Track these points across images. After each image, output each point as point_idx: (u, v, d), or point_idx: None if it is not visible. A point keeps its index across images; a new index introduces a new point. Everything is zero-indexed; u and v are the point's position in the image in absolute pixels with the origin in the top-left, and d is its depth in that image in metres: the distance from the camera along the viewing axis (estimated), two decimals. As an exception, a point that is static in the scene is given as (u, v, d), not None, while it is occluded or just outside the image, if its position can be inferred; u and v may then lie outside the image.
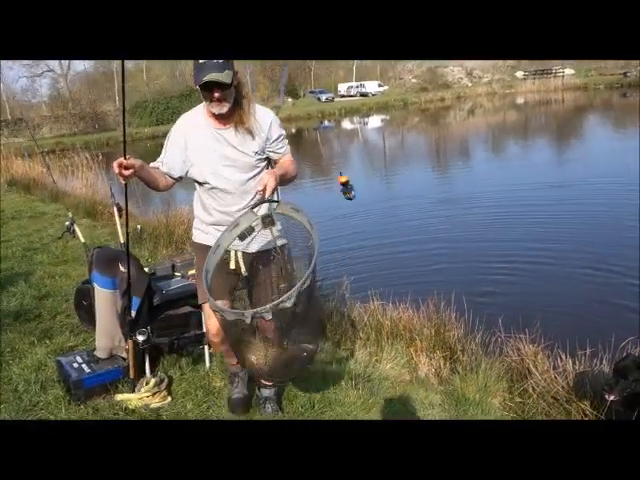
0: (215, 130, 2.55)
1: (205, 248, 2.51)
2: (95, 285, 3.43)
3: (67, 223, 4.77)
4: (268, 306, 1.96)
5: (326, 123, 42.78)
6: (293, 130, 43.99)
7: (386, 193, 13.11)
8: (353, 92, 54.94)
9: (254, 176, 2.63)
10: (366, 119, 41.14)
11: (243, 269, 2.68)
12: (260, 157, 2.64)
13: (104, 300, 3.40)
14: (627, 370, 3.00)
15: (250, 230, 2.41)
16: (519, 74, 52.04)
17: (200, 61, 2.31)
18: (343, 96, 54.47)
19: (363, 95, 53.46)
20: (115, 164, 2.29)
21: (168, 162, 2.61)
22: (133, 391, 3.23)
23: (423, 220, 9.35)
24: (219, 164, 2.56)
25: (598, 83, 41.72)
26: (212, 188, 2.62)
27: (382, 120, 39.94)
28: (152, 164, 2.61)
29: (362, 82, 55.27)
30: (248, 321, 1.97)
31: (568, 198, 9.73)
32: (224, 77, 2.32)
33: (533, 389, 3.53)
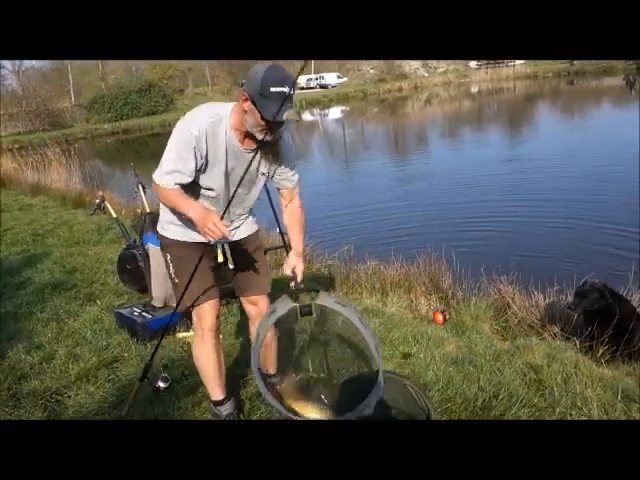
0: (238, 147, 2.35)
1: (184, 245, 2.48)
2: (149, 245, 4.04)
3: (97, 201, 5.33)
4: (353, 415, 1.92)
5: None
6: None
7: (348, 181, 14.05)
8: (312, 84, 55.55)
9: (257, 191, 2.60)
10: (326, 110, 41.78)
11: (230, 260, 2.58)
12: (267, 177, 2.57)
13: (158, 256, 4.01)
14: (586, 292, 3.82)
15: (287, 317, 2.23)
16: (472, 64, 53.55)
17: (273, 89, 2.10)
18: (302, 88, 54.95)
19: (323, 87, 54.15)
20: (218, 231, 2.18)
21: (188, 171, 2.30)
22: (187, 331, 3.87)
23: (400, 198, 10.21)
24: (231, 180, 2.41)
25: (547, 72, 43.48)
26: (213, 196, 2.47)
27: (342, 111, 40.64)
28: (171, 180, 2.30)
29: (321, 74, 55.96)
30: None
31: (520, 169, 11.68)
32: (297, 115, 2.17)
33: (513, 319, 4.33)
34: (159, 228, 2.59)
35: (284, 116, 2.12)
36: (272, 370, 2.90)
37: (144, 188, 4.82)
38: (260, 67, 2.17)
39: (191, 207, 2.28)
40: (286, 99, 2.12)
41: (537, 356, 3.20)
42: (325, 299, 2.17)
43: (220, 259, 2.49)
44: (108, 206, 5.27)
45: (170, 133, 2.31)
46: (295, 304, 2.18)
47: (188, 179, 2.31)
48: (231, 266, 2.58)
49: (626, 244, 6.21)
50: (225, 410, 2.65)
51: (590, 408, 2.51)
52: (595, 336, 3.62)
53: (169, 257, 2.55)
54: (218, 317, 2.58)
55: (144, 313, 3.97)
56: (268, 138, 2.27)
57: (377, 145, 20.94)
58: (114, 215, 5.23)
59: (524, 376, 2.94)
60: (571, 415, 2.49)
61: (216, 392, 2.65)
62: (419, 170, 13.46)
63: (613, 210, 7.43)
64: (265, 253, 2.95)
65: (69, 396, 3.09)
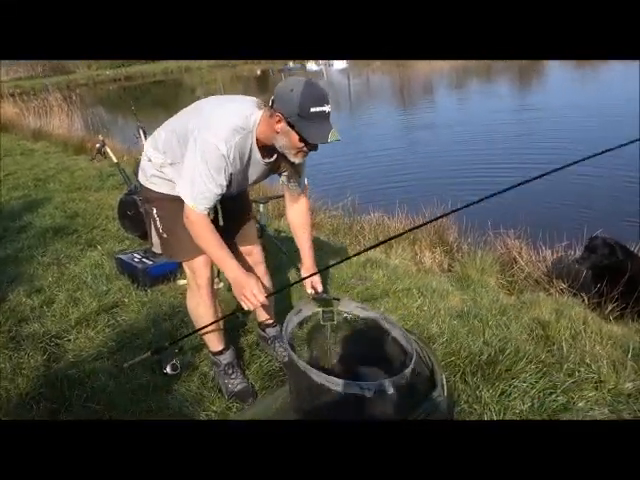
0: (260, 160, 2.22)
1: (171, 199, 2.29)
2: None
3: (98, 145, 5.21)
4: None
5: (291, 65, 42.52)
6: (258, 72, 43.56)
7: (353, 130, 13.77)
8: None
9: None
10: (331, 61, 40.91)
11: (220, 217, 2.56)
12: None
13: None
14: (596, 247, 3.73)
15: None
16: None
17: (313, 110, 1.94)
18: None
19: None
20: (256, 301, 2.13)
21: (219, 192, 2.14)
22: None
23: (407, 146, 10.02)
24: (243, 181, 2.33)
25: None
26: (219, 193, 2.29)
27: (347, 62, 39.80)
28: (203, 204, 2.13)
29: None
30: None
31: (533, 118, 11.49)
32: (338, 134, 2.01)
33: (519, 274, 4.26)
34: (142, 179, 2.42)
35: (332, 139, 1.98)
36: (268, 320, 2.86)
37: (145, 133, 4.70)
38: (293, 84, 1.98)
39: (229, 264, 2.15)
40: (327, 118, 1.98)
41: (544, 311, 3.14)
42: (347, 305, 2.30)
43: (210, 217, 2.34)
44: (109, 151, 5.15)
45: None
46: (319, 309, 2.27)
47: (217, 199, 2.17)
48: (221, 223, 2.53)
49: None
50: (224, 359, 2.61)
51: (600, 365, 2.46)
52: (604, 293, 3.56)
53: (155, 211, 2.41)
54: (212, 268, 2.47)
55: (144, 259, 3.91)
56: (300, 160, 2.17)
57: (382, 96, 20.56)
58: (115, 160, 5.11)
59: (531, 331, 2.89)
60: (579, 372, 2.44)
61: (214, 344, 2.60)
62: (425, 120, 13.24)
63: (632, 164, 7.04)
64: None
65: (69, 340, 3.06)
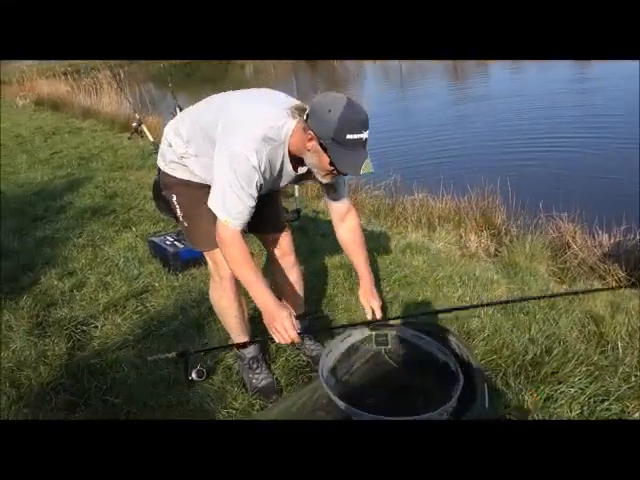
0: (291, 171, 2.08)
1: (192, 186, 2.19)
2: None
3: (134, 124, 5.13)
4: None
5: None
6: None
7: (401, 103, 13.29)
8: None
9: None
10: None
11: None
12: None
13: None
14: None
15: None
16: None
17: (350, 137, 1.78)
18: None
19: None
20: (287, 337, 1.96)
21: (252, 206, 1.98)
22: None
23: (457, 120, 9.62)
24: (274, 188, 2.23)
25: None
26: None
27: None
28: (238, 220, 1.97)
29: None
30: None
31: (593, 88, 10.70)
32: (372, 166, 1.86)
33: (572, 260, 3.96)
34: (161, 164, 2.27)
35: (361, 171, 1.83)
36: (297, 311, 2.70)
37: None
38: (332, 103, 1.80)
39: (261, 291, 1.98)
40: (364, 146, 1.83)
41: (599, 304, 2.86)
42: (403, 331, 2.09)
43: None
44: (145, 130, 5.06)
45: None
46: (372, 332, 2.09)
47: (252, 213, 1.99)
48: None
49: None
50: (249, 353, 2.47)
51: (660, 369, 2.20)
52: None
53: (175, 198, 2.26)
54: None
55: (176, 242, 3.81)
56: (328, 181, 2.02)
57: (434, 69, 19.88)
58: (151, 139, 5.03)
59: (582, 327, 2.63)
60: (636, 377, 2.18)
61: (238, 337, 2.46)
62: (477, 93, 12.61)
63: None
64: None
65: (95, 326, 2.99)
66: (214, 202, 1.97)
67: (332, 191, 2.23)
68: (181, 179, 2.21)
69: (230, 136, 1.93)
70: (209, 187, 2.07)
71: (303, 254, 3.82)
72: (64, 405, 2.34)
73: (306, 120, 1.87)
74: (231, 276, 2.28)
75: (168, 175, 2.24)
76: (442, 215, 4.52)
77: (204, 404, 2.34)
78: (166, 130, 2.27)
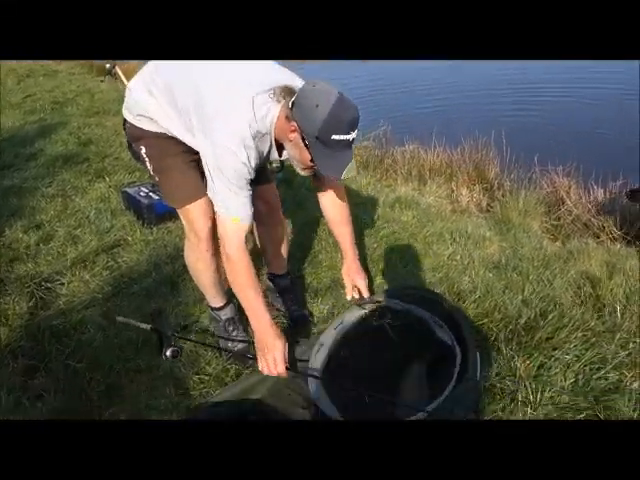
0: (277, 157, 1.95)
1: (161, 137, 1.98)
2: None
3: (108, 66, 4.80)
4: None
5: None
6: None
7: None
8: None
9: None
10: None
11: None
12: None
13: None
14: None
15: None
16: None
17: (335, 137, 1.63)
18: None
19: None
20: (274, 369, 1.83)
21: (250, 197, 1.84)
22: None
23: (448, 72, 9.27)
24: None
25: None
26: None
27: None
28: (245, 218, 1.85)
29: None
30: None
31: None
32: (356, 169, 1.82)
33: (566, 216, 3.80)
34: (128, 116, 2.03)
35: (343, 175, 1.67)
36: (279, 270, 2.53)
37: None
38: (320, 98, 1.63)
39: (262, 318, 1.85)
40: (349, 146, 1.68)
41: (594, 264, 2.72)
42: (392, 304, 2.03)
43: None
44: (120, 73, 4.74)
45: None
46: (362, 311, 2.06)
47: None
48: None
49: None
50: (224, 315, 2.31)
51: (660, 336, 2.06)
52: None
53: (144, 150, 2.02)
54: (212, 219, 2.03)
55: (151, 194, 3.58)
56: (307, 174, 1.89)
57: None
58: (126, 83, 4.70)
59: (578, 289, 2.48)
60: (635, 344, 2.04)
61: (214, 300, 2.30)
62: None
63: None
64: None
65: (61, 284, 2.80)
66: (214, 199, 1.83)
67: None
68: (148, 130, 1.98)
69: (215, 131, 1.74)
70: (175, 138, 1.93)
71: (287, 208, 3.63)
72: (22, 370, 2.17)
73: (291, 108, 1.69)
74: (208, 236, 2.09)
75: (135, 127, 2.01)
76: (433, 168, 4.31)
77: (175, 369, 2.18)
78: (132, 86, 2.01)
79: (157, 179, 2.11)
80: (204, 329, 2.43)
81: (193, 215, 2.04)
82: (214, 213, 1.97)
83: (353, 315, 2.09)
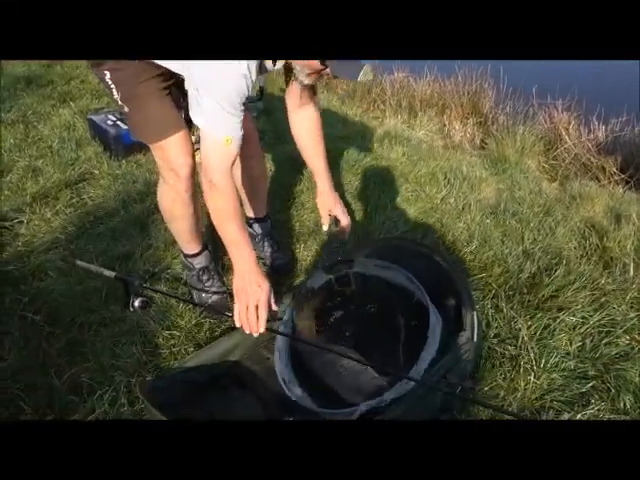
0: (270, 67, 1.70)
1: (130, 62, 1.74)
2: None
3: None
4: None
5: None
6: None
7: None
8: None
9: None
10: None
11: None
12: None
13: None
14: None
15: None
16: None
17: None
18: None
19: None
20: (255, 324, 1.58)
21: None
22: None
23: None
24: None
25: None
26: None
27: None
28: (235, 138, 1.60)
29: None
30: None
31: None
32: (372, 71, 1.55)
33: (565, 155, 3.59)
34: None
35: (360, 76, 1.42)
36: (258, 213, 2.30)
37: None
38: None
39: (247, 258, 1.59)
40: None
41: (598, 210, 2.54)
42: (364, 265, 1.84)
43: None
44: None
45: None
46: (330, 276, 1.86)
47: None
48: None
49: None
50: (198, 263, 2.10)
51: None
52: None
53: (108, 76, 1.72)
54: (192, 155, 1.81)
55: (119, 122, 3.27)
56: (311, 82, 1.61)
57: None
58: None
59: (582, 239, 2.31)
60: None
61: (188, 246, 2.08)
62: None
63: None
64: None
65: (20, 222, 2.54)
66: (202, 123, 1.55)
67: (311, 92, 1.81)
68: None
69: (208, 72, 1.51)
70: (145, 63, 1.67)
71: (267, 142, 3.37)
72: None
73: None
74: (189, 175, 1.83)
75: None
76: (424, 99, 4.03)
77: (143, 322, 1.98)
78: None
79: (126, 109, 1.78)
80: (176, 277, 2.22)
81: (172, 151, 1.77)
82: (194, 149, 1.75)
83: (320, 278, 1.88)
